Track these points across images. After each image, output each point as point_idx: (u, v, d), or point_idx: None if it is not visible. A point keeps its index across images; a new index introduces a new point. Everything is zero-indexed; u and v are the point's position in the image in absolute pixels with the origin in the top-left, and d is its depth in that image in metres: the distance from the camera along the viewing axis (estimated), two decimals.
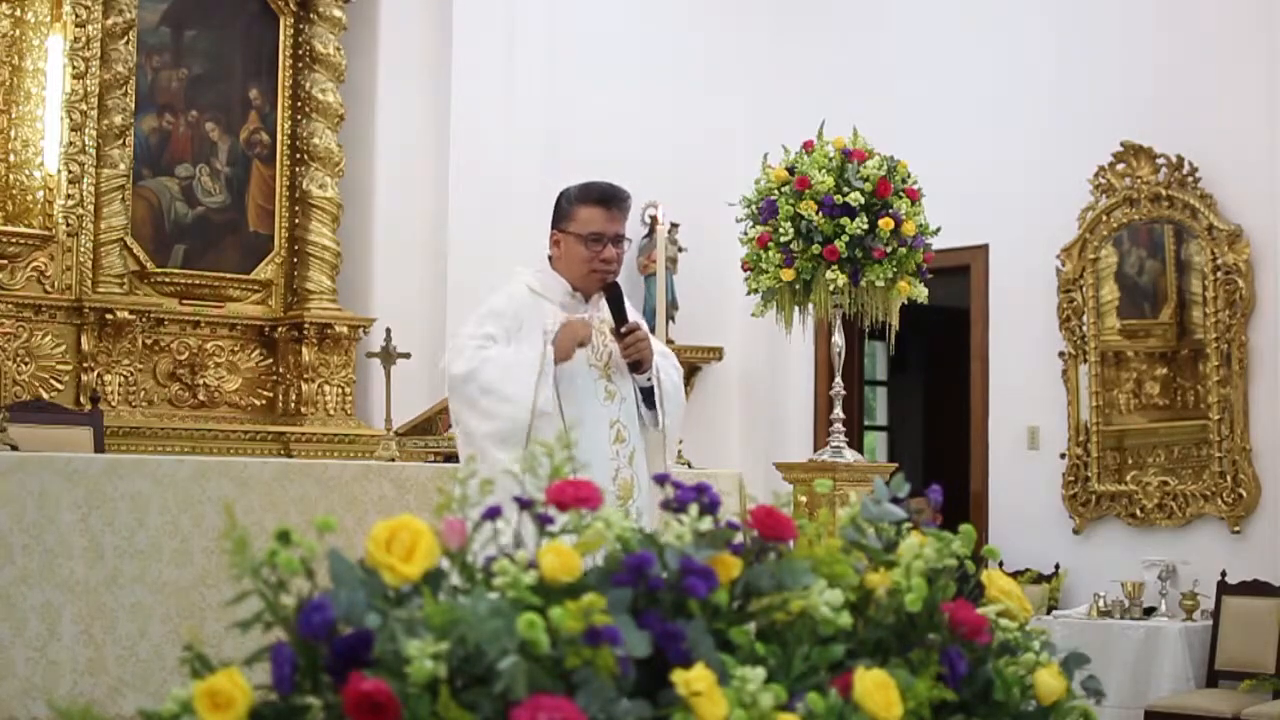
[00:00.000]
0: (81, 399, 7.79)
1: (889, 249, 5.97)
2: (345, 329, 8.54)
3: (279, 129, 8.71)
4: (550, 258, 4.35)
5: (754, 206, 6.21)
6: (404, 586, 1.73)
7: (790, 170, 6.14)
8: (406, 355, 6.71)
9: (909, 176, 6.16)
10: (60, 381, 7.88)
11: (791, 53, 10.01)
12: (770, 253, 6.08)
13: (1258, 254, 8.26)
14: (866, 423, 10.91)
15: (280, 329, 8.56)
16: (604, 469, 4.16)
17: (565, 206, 4.32)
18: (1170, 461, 8.59)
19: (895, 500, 2.15)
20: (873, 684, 1.82)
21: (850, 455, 6.15)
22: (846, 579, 1.97)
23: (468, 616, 1.65)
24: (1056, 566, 8.78)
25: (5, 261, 7.77)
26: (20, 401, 7.37)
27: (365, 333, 8.56)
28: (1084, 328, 8.80)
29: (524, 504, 1.90)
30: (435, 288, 8.79)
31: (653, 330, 5.11)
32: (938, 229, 6.18)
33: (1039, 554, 8.79)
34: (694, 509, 1.93)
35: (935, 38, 9.49)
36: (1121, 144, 8.62)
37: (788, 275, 6.04)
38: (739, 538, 1.95)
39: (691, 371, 9.60)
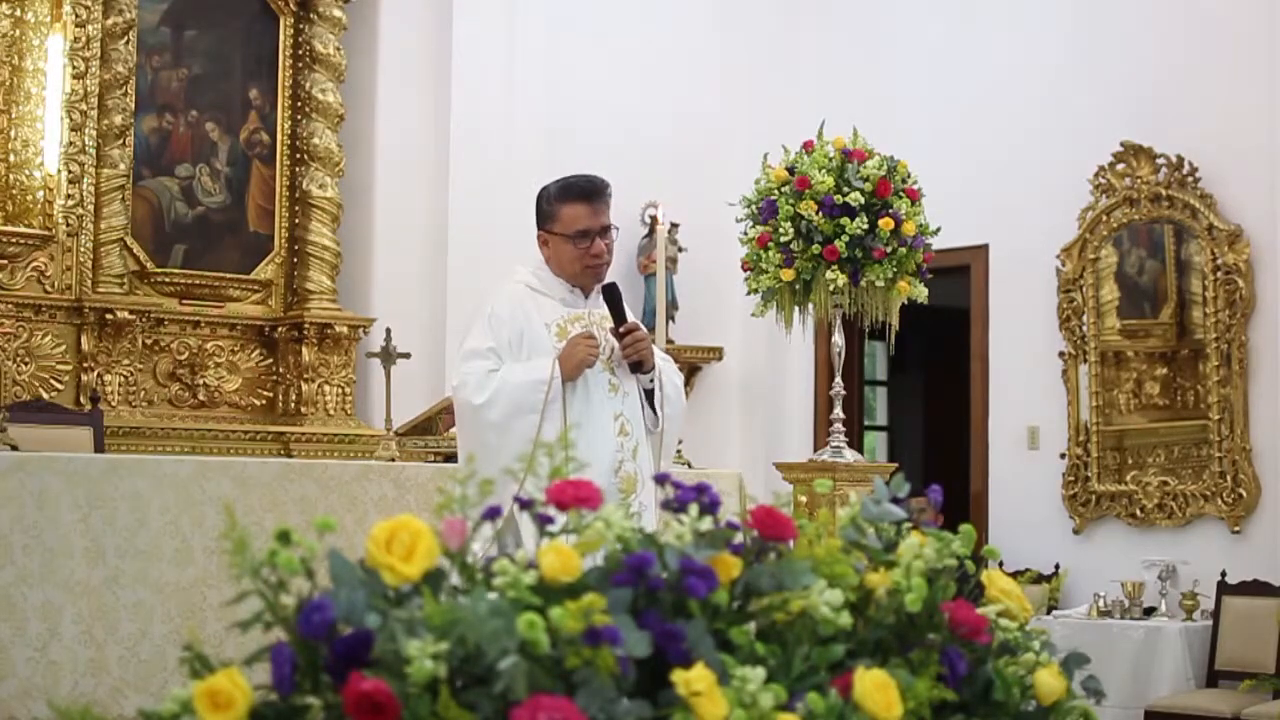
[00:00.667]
0: (81, 399, 7.78)
1: (889, 249, 5.97)
2: (345, 329, 8.54)
3: (279, 129, 8.71)
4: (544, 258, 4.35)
5: (754, 206, 6.21)
6: (404, 586, 1.73)
7: (790, 170, 6.15)
8: (406, 355, 6.71)
9: (909, 176, 6.16)
10: (60, 381, 7.87)
11: (791, 52, 10.01)
12: (770, 253, 6.08)
13: (1258, 254, 8.26)
14: (866, 423, 10.91)
15: (280, 329, 8.56)
16: (607, 462, 4.16)
17: (547, 207, 4.30)
18: (1170, 461, 8.59)
19: (895, 500, 2.15)
20: (873, 684, 1.82)
21: (850, 455, 6.15)
22: (846, 579, 1.97)
23: (468, 616, 1.65)
24: (1056, 566, 8.78)
25: (5, 261, 7.77)
26: (20, 401, 7.37)
27: (365, 333, 8.56)
28: (1084, 328, 8.80)
29: (524, 504, 1.90)
30: (435, 288, 8.79)
31: (652, 330, 5.12)
32: (938, 229, 6.18)
33: (1039, 554, 8.79)
34: (694, 509, 1.93)
35: (936, 38, 9.49)
36: (1121, 144, 8.62)
37: (788, 275, 6.04)
38: (739, 538, 1.95)
39: (691, 371, 9.60)
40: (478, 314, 4.34)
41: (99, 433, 7.16)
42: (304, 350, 8.46)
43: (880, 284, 6.00)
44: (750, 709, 1.71)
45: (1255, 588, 7.87)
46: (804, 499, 5.82)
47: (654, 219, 8.81)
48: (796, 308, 6.20)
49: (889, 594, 2.01)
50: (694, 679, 1.69)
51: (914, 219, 6.02)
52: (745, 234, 6.25)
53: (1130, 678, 7.77)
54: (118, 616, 4.39)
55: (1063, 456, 8.88)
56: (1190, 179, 8.43)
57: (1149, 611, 8.14)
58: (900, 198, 6.03)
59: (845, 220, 5.92)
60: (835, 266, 5.96)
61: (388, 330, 6.73)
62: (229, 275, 8.50)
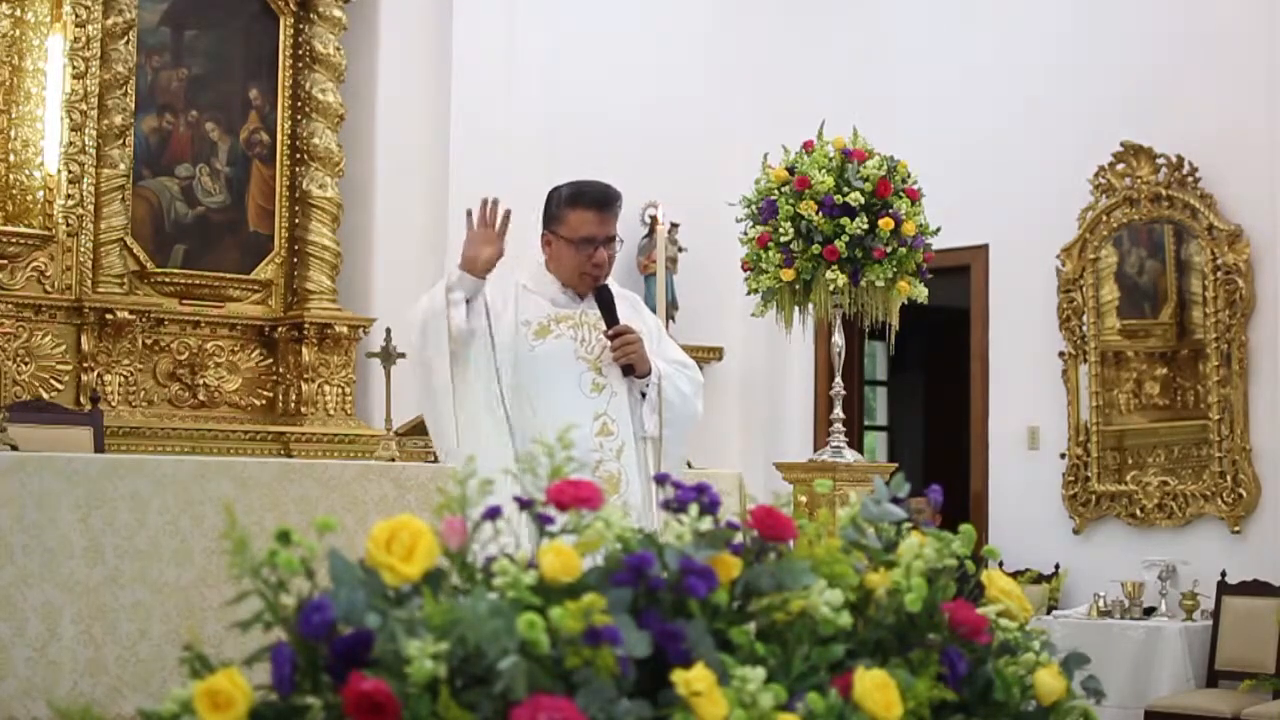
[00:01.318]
0: (81, 399, 7.78)
1: (889, 249, 5.97)
2: (345, 329, 8.54)
3: (279, 129, 8.71)
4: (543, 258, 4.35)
5: (754, 206, 6.21)
6: (404, 586, 1.73)
7: (790, 170, 6.15)
8: (406, 355, 6.69)
9: (909, 176, 6.16)
10: (60, 381, 7.87)
11: (791, 52, 10.01)
12: (770, 253, 6.08)
13: (1258, 254, 8.26)
14: (866, 423, 10.91)
15: (280, 329, 8.56)
16: (584, 461, 4.12)
17: (555, 209, 4.28)
18: (1170, 461, 8.59)
19: (895, 500, 2.15)
20: (873, 684, 1.82)
21: (850, 455, 6.16)
22: (846, 579, 1.97)
23: (468, 616, 1.65)
24: (1056, 566, 8.78)
25: (5, 261, 7.77)
26: (20, 401, 7.36)
27: (365, 333, 8.55)
28: (1084, 328, 8.80)
29: (524, 504, 1.90)
30: None
31: None
32: (938, 229, 6.19)
33: (1039, 554, 8.79)
34: (694, 509, 1.93)
35: (936, 38, 9.49)
36: (1121, 144, 8.62)
37: (788, 275, 6.05)
38: (739, 538, 1.95)
39: None
40: None
41: (99, 433, 7.16)
42: (304, 350, 8.46)
43: (880, 284, 6.00)
44: (750, 709, 1.71)
45: (1255, 588, 7.87)
46: (804, 499, 5.82)
47: (654, 219, 8.81)
48: (796, 308, 6.20)
49: (889, 594, 2.01)
50: (694, 679, 1.69)
51: (914, 219, 6.02)
52: (745, 234, 6.25)
53: (1130, 678, 7.77)
54: (117, 616, 4.39)
55: (1063, 456, 8.87)
56: (1190, 179, 8.43)
57: (1149, 611, 8.14)
58: (900, 198, 6.03)
59: (845, 220, 5.93)
60: (835, 266, 5.96)
61: (388, 330, 6.73)
62: (229, 275, 8.50)
